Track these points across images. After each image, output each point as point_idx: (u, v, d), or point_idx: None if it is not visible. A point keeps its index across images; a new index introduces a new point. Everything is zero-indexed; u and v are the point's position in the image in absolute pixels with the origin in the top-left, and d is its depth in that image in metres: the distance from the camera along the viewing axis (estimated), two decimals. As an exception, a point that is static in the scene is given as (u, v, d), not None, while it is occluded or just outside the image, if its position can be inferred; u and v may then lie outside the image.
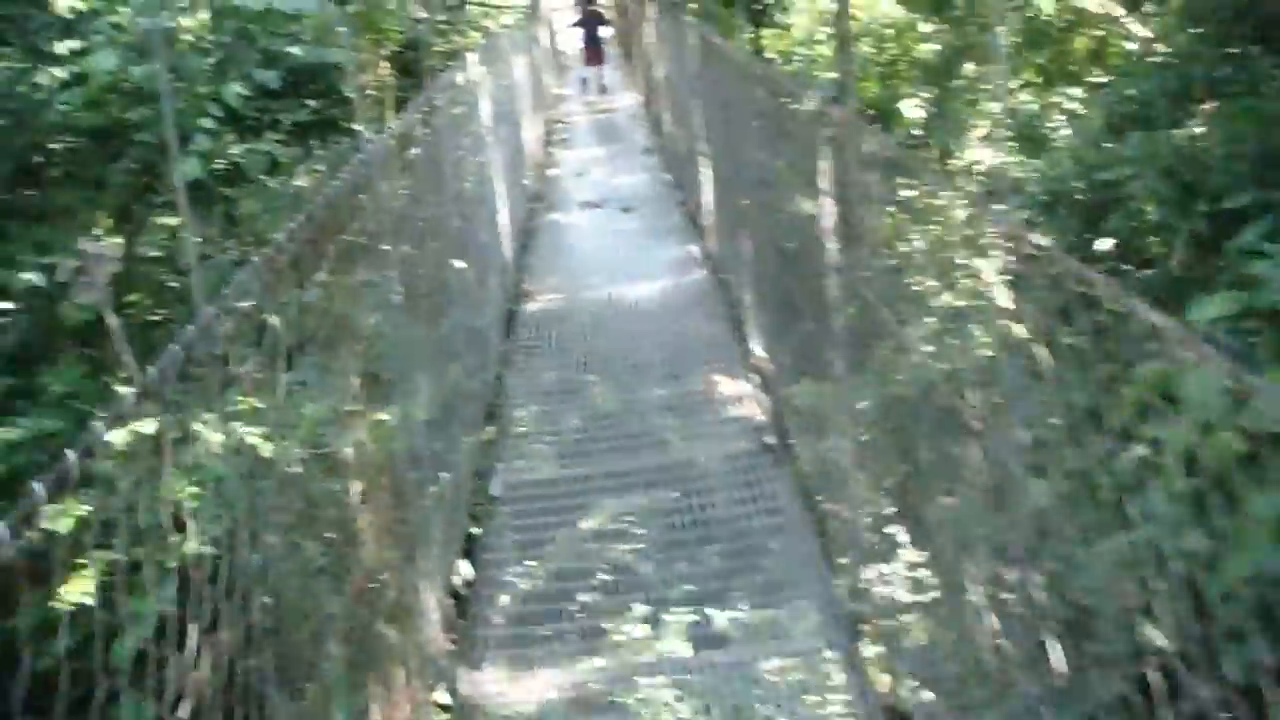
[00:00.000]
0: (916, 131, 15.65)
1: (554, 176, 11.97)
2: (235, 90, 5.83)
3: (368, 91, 13.10)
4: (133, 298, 7.94)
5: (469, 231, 6.16)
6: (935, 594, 3.12)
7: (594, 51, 18.78)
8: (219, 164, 8.27)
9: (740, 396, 5.97)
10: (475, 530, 4.83)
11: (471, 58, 7.77)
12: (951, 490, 2.77)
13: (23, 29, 6.26)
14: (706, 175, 8.23)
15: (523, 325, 7.44)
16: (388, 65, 14.14)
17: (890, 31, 16.21)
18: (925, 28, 16.88)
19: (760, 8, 15.93)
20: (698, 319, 7.19)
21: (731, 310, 7.13)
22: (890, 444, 3.41)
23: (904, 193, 3.07)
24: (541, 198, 10.86)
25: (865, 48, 16.22)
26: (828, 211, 3.86)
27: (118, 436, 1.74)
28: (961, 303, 2.71)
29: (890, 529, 3.45)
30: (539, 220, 10.02)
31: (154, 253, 9.16)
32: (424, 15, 9.70)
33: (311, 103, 8.52)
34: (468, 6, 16.22)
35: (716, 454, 5.40)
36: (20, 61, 6.05)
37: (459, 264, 5.58)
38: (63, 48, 6.08)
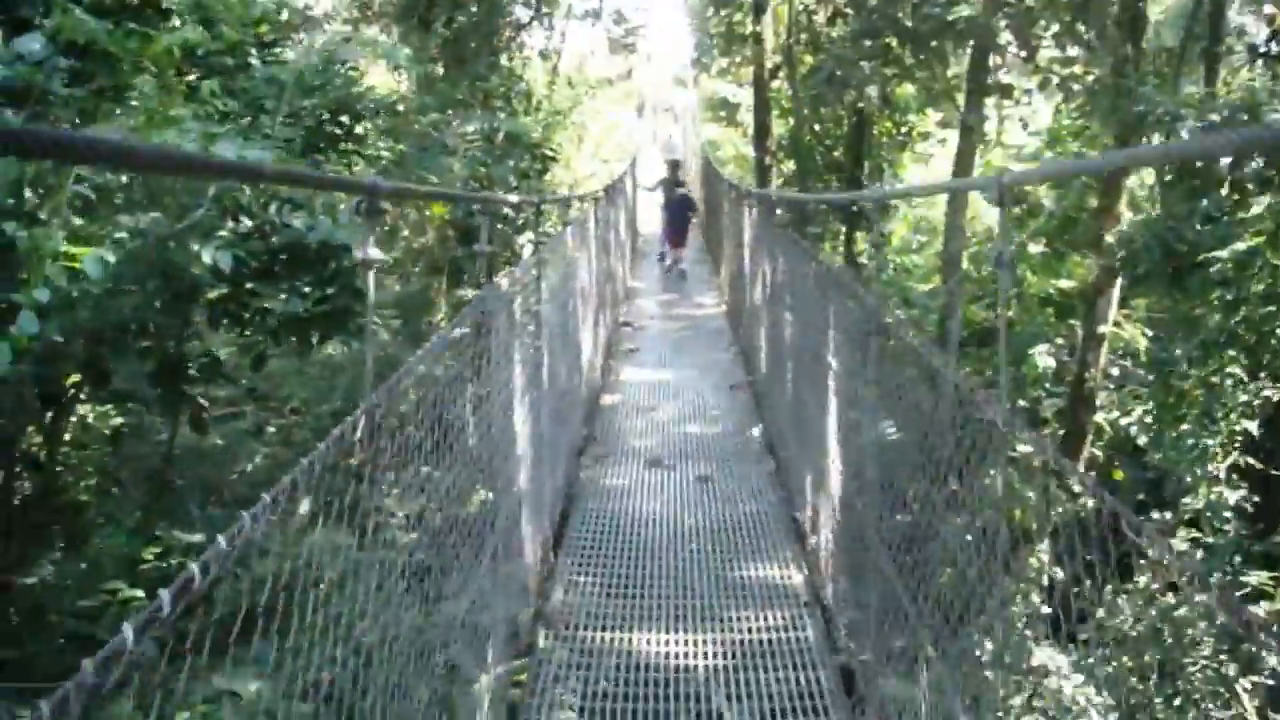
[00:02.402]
0: (1046, 385, 13.26)
1: (612, 405, 9.50)
2: (100, 257, 3.49)
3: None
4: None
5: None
6: None
7: (677, 235, 16.90)
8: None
9: None
10: None
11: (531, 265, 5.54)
12: None
13: None
14: (833, 476, 5.67)
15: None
16: (432, 234, 12.05)
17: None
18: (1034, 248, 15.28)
19: (856, 210, 14.47)
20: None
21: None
22: None
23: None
24: (593, 438, 8.35)
25: (964, 263, 14.49)
26: None
27: None
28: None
29: None
30: (584, 479, 7.45)
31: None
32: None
33: (310, 290, 6.50)
34: (546, 183, 14.34)
35: None
36: None
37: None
38: None
